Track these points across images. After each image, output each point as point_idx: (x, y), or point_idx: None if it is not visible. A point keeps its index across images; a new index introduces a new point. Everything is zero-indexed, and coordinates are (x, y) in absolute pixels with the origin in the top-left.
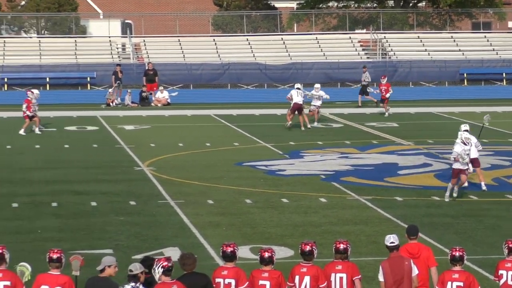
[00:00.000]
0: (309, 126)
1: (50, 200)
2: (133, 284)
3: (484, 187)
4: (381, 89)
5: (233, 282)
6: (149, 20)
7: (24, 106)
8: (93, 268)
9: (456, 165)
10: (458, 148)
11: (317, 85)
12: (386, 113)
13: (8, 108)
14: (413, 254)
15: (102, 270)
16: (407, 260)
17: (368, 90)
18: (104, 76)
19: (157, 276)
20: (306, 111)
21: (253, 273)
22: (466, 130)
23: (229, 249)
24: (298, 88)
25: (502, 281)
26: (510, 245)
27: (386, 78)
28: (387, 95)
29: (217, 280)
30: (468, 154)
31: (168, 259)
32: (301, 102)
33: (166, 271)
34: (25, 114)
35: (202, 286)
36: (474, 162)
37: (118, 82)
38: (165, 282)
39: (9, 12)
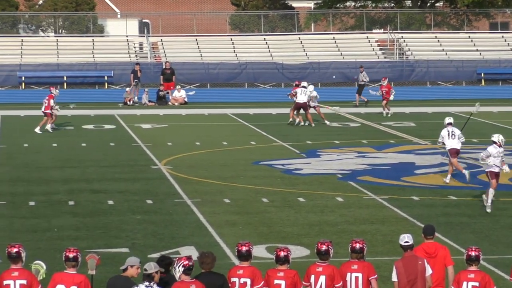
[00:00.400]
0: (312, 124)
1: (67, 198)
2: (147, 283)
3: (447, 180)
4: (382, 91)
5: (248, 281)
6: (166, 19)
7: (52, 101)
8: (110, 267)
9: (491, 168)
10: (492, 149)
11: (311, 87)
12: (384, 113)
13: (26, 107)
14: (430, 254)
15: (125, 270)
16: (421, 259)
17: (371, 93)
18: (122, 75)
19: (177, 275)
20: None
21: (268, 272)
22: (450, 123)
23: (244, 248)
24: (303, 87)
25: None
26: None
27: (386, 80)
28: (391, 98)
29: (233, 279)
30: (502, 157)
31: (189, 258)
32: (302, 101)
33: (187, 270)
34: (48, 111)
35: (218, 286)
36: (454, 152)
37: (136, 81)
38: (184, 281)
39: (26, 11)
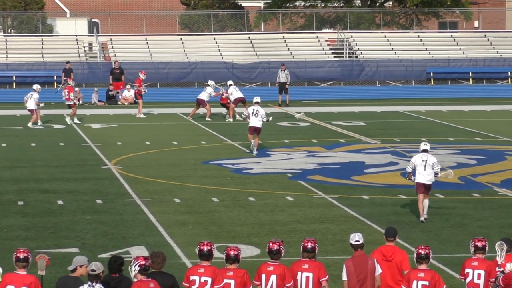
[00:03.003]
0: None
1: (17, 198)
2: (89, 283)
3: (254, 152)
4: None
5: (209, 280)
6: (116, 19)
7: (72, 94)
8: (60, 267)
9: (420, 179)
10: (417, 159)
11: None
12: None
13: None
14: (386, 257)
15: (74, 270)
16: (371, 259)
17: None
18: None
19: (132, 274)
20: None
21: None
22: (257, 102)
23: (206, 248)
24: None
25: (468, 280)
26: (477, 244)
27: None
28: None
29: (192, 277)
30: (431, 165)
31: (146, 258)
32: (241, 97)
33: (143, 270)
34: (69, 102)
35: (169, 286)
36: (256, 130)
37: (65, 79)
38: (143, 280)
39: None
